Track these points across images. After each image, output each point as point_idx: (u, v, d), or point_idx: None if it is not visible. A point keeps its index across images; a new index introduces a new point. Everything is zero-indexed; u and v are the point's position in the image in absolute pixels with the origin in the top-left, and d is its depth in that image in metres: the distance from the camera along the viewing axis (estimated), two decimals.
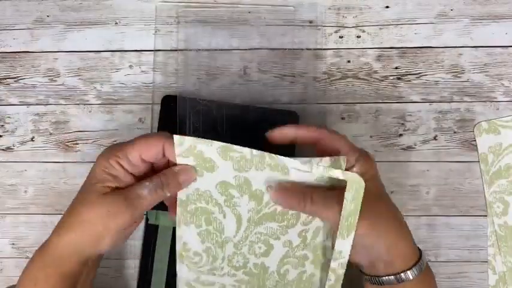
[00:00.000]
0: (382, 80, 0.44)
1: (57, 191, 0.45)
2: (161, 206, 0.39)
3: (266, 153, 0.31)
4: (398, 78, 0.44)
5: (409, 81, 0.44)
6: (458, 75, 0.44)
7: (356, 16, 0.44)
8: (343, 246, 0.33)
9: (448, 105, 0.44)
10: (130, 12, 0.45)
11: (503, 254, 0.43)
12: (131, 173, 0.33)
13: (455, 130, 0.44)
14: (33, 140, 0.45)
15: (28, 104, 0.45)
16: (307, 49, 0.44)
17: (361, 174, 0.31)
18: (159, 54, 0.45)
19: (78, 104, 0.45)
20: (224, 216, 0.34)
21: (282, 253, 0.35)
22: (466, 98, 0.44)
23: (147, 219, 0.43)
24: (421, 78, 0.44)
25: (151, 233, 0.43)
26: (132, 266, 0.45)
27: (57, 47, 0.45)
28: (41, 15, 0.45)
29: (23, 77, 0.45)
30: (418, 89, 0.44)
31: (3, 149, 0.45)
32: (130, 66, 0.45)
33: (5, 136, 0.45)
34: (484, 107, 0.44)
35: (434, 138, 0.44)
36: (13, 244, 0.45)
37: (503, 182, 0.43)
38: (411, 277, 0.33)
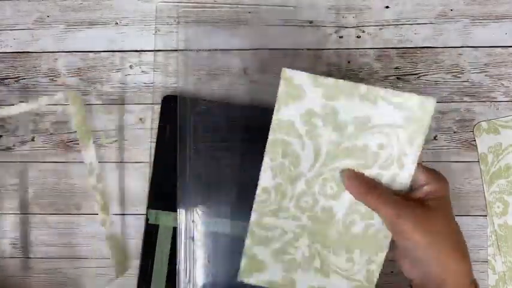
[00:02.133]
0: (382, 80, 0.44)
1: (58, 191, 0.45)
2: (162, 206, 0.39)
3: (361, 84, 0.32)
4: (398, 78, 0.44)
5: (409, 81, 0.44)
6: (458, 75, 0.44)
7: (356, 16, 0.44)
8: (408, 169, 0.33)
9: (447, 105, 0.44)
10: (131, 13, 0.45)
11: (503, 254, 0.43)
12: None
13: (455, 130, 0.44)
14: (33, 140, 0.45)
15: None
16: (308, 49, 0.44)
17: (433, 194, 0.33)
18: (160, 54, 0.45)
19: None
20: (303, 148, 0.34)
21: (351, 199, 0.34)
22: (465, 98, 0.44)
23: (147, 219, 0.43)
24: (421, 78, 0.44)
25: (151, 233, 0.43)
26: (132, 266, 0.45)
27: (58, 47, 0.45)
28: (41, 16, 0.45)
29: (24, 77, 0.45)
30: (418, 89, 0.44)
31: (3, 149, 0.45)
32: (131, 66, 0.45)
33: (5, 136, 0.45)
34: (484, 107, 0.44)
35: (434, 138, 0.44)
36: (13, 244, 0.45)
37: (503, 182, 0.43)
38: None
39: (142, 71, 0.45)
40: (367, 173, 0.34)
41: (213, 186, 0.41)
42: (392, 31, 0.44)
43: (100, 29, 0.45)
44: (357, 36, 0.44)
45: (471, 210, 0.44)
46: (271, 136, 0.34)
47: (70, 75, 0.45)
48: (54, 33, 0.45)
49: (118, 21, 0.45)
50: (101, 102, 0.45)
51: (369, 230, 0.35)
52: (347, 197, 0.34)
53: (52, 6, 0.45)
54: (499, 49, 0.44)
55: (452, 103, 0.44)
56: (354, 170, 0.34)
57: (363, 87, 0.32)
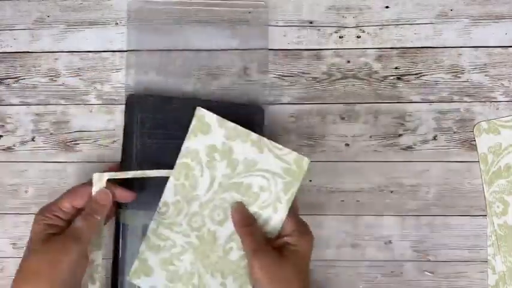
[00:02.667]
0: (382, 80, 0.44)
1: (58, 190, 0.45)
2: (130, 205, 0.40)
3: (253, 133, 0.39)
4: (398, 78, 0.44)
5: (409, 81, 0.44)
6: (458, 75, 0.44)
7: (356, 16, 0.44)
8: (277, 220, 0.39)
9: (447, 105, 0.44)
10: (131, 13, 0.45)
11: (503, 253, 0.43)
12: (68, 219, 0.37)
13: (455, 130, 0.44)
14: (33, 140, 0.45)
15: (28, 104, 0.45)
16: (307, 49, 0.44)
17: (292, 246, 0.37)
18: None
19: (78, 104, 0.45)
20: (202, 175, 0.39)
21: (233, 228, 0.39)
22: (465, 98, 0.44)
23: (117, 218, 0.42)
24: (421, 78, 0.44)
25: (119, 233, 0.42)
26: None
27: (58, 47, 0.45)
28: (41, 16, 0.45)
29: (24, 77, 0.45)
30: (418, 89, 0.44)
31: (3, 149, 0.45)
32: None
33: (5, 136, 0.45)
34: (484, 107, 0.44)
35: (434, 138, 0.44)
36: (14, 244, 0.45)
37: (502, 182, 0.43)
38: None
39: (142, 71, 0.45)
40: (250, 209, 0.39)
41: (154, 183, 0.41)
42: (392, 31, 0.44)
43: (100, 29, 0.45)
44: (357, 36, 0.44)
45: (471, 210, 0.44)
46: (179, 160, 0.39)
47: (70, 75, 0.45)
48: (55, 33, 0.45)
49: (118, 22, 0.45)
50: (101, 102, 0.45)
51: (242, 261, 0.39)
52: (230, 225, 0.39)
53: (52, 6, 0.45)
54: (499, 49, 0.44)
55: (452, 103, 0.44)
56: (242, 204, 0.39)
57: (254, 136, 0.39)
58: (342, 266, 0.45)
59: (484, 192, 0.44)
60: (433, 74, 0.44)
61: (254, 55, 0.44)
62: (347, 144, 0.45)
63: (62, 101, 0.45)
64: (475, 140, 0.44)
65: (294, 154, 0.39)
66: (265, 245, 0.37)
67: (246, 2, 0.44)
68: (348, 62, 0.44)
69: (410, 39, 0.44)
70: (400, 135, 0.44)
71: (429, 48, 0.44)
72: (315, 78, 0.45)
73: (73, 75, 0.45)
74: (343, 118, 0.45)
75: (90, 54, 0.45)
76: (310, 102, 0.45)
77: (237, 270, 0.39)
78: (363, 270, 0.45)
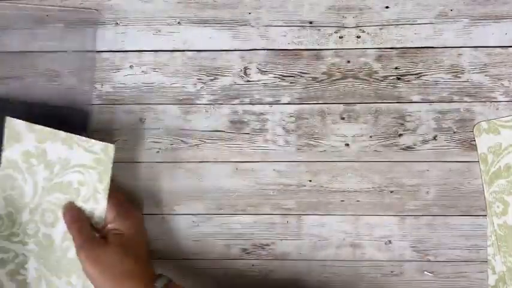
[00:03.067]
0: (382, 80, 0.44)
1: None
2: None
3: (61, 131, 0.40)
4: (398, 78, 0.44)
5: (409, 81, 0.44)
6: (458, 75, 0.44)
7: (356, 16, 0.44)
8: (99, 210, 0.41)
9: (447, 105, 0.44)
10: (131, 13, 0.45)
11: (503, 253, 0.43)
12: None
13: (455, 130, 0.44)
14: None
15: None
16: (307, 49, 0.44)
17: (115, 230, 0.40)
18: (159, 54, 0.45)
19: None
20: (25, 183, 0.41)
21: (65, 227, 0.40)
22: (465, 98, 0.44)
23: None
24: (421, 78, 0.44)
25: None
26: None
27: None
28: (41, 16, 0.45)
29: (24, 78, 0.45)
30: (418, 89, 0.44)
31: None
32: (131, 67, 0.45)
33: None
34: (484, 107, 0.44)
35: (434, 138, 0.44)
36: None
37: (502, 182, 0.43)
38: None
39: (143, 71, 0.45)
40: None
41: None
42: (392, 31, 0.44)
43: (100, 29, 0.45)
44: (357, 36, 0.44)
45: (471, 210, 0.44)
46: (1, 172, 0.41)
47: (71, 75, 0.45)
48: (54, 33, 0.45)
49: (118, 22, 0.45)
50: (101, 102, 0.45)
51: None
52: (62, 225, 0.41)
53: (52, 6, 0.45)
54: (499, 49, 0.44)
55: (452, 103, 0.44)
56: (71, 203, 0.41)
57: (62, 134, 0.40)
58: (342, 266, 0.45)
59: (484, 192, 0.44)
60: (433, 74, 0.44)
61: (79, 57, 0.45)
62: (347, 144, 0.45)
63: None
64: (475, 140, 0.44)
65: (100, 144, 0.40)
66: (92, 237, 0.39)
67: (77, 6, 0.44)
68: (348, 62, 0.44)
69: (410, 39, 0.44)
70: (400, 135, 0.45)
71: (429, 48, 0.44)
72: (315, 78, 0.45)
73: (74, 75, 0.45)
74: (343, 118, 0.45)
75: None
76: (310, 102, 0.45)
77: (78, 266, 0.40)
78: (363, 270, 0.45)
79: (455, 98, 0.44)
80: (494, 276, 0.44)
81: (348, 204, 0.45)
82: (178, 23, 0.45)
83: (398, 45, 0.44)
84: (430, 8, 0.44)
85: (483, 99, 0.44)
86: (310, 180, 0.45)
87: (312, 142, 0.45)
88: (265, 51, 0.45)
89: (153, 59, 0.45)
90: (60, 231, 0.41)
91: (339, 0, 0.44)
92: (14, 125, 0.40)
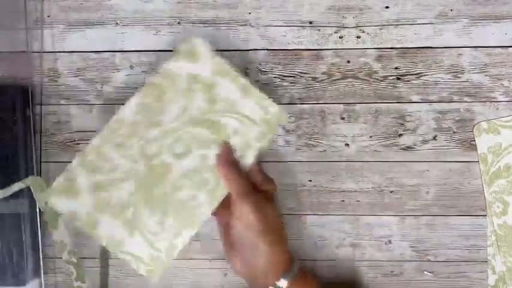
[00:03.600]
0: (382, 80, 0.44)
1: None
2: None
3: (241, 77, 0.39)
4: (398, 79, 0.44)
5: (409, 81, 0.44)
6: (458, 75, 0.44)
7: (356, 16, 0.44)
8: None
9: (447, 105, 0.44)
10: (131, 13, 0.45)
11: (503, 253, 0.43)
12: None
13: (455, 130, 0.44)
14: (34, 140, 0.45)
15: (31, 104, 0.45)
16: (307, 49, 0.44)
17: (270, 194, 0.40)
18: (160, 54, 0.45)
19: (79, 104, 0.45)
20: (174, 101, 0.38)
21: (191, 165, 0.37)
22: (465, 98, 0.44)
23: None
24: (421, 78, 0.44)
25: None
26: None
27: (58, 47, 0.45)
28: (41, 16, 0.45)
29: (23, 78, 0.45)
30: (418, 89, 0.44)
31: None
32: (131, 67, 0.45)
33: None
34: (484, 107, 0.44)
35: (434, 138, 0.44)
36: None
37: (502, 182, 0.43)
38: (284, 285, 0.37)
39: (143, 71, 0.45)
40: (213, 149, 0.38)
41: None
42: (392, 31, 0.44)
43: (100, 29, 0.45)
44: (357, 36, 0.44)
45: (471, 210, 0.44)
46: (154, 78, 0.37)
47: (70, 75, 0.45)
48: (55, 33, 0.45)
49: (118, 22, 0.45)
50: (101, 102, 0.45)
51: (192, 201, 0.37)
52: (187, 162, 0.37)
53: (52, 6, 0.45)
54: (499, 49, 0.44)
55: (452, 103, 0.44)
56: (229, 143, 0.38)
57: (242, 80, 0.38)
58: (342, 266, 0.45)
59: (484, 192, 0.44)
60: (433, 74, 0.44)
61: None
62: (347, 144, 0.45)
63: (63, 101, 0.45)
64: (475, 140, 0.44)
65: (276, 107, 0.39)
66: (252, 188, 0.38)
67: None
68: (348, 62, 0.44)
69: (410, 39, 0.44)
70: (400, 135, 0.45)
71: (429, 48, 0.44)
72: (315, 78, 0.45)
73: (74, 75, 0.45)
74: (343, 118, 0.45)
75: (90, 54, 0.45)
76: (310, 102, 0.45)
77: (182, 210, 0.36)
78: (363, 270, 0.45)
79: (455, 98, 0.44)
80: (494, 276, 0.44)
81: (348, 204, 0.45)
82: (178, 23, 0.45)
83: (398, 45, 0.44)
84: (430, 8, 0.44)
85: (483, 99, 0.44)
86: (310, 180, 0.45)
87: (312, 142, 0.45)
88: (265, 51, 0.45)
89: (153, 59, 0.45)
90: (183, 168, 0.37)
91: (339, 0, 0.44)
92: (196, 43, 0.38)
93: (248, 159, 0.38)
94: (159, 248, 0.37)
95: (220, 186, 0.38)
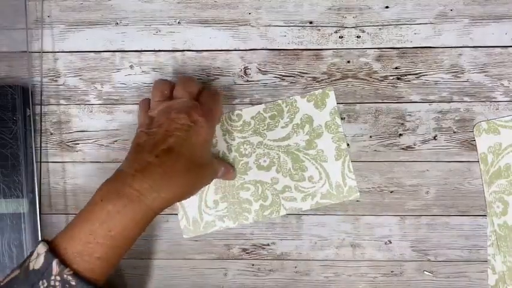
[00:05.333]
0: (382, 80, 0.44)
1: (58, 191, 0.45)
2: None
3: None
4: (398, 78, 0.44)
5: (409, 81, 0.44)
6: (458, 75, 0.44)
7: (356, 16, 0.44)
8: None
9: (447, 105, 0.44)
10: (131, 13, 0.45)
11: (503, 253, 0.43)
12: None
13: (455, 130, 0.44)
14: (34, 140, 0.45)
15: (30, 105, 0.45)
16: (308, 49, 0.45)
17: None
18: (160, 54, 0.45)
19: (79, 104, 0.46)
20: (283, 126, 0.45)
21: (264, 178, 0.45)
22: (465, 98, 0.44)
23: None
24: (421, 78, 0.44)
25: None
26: (133, 266, 0.45)
27: (58, 47, 0.45)
28: (41, 16, 0.45)
29: (23, 78, 0.45)
30: (418, 89, 0.44)
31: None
32: (131, 67, 0.45)
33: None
34: (484, 107, 0.44)
35: (434, 138, 0.44)
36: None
37: (502, 182, 0.43)
38: None
39: (143, 71, 0.45)
40: None
41: None
42: (392, 31, 0.44)
43: (100, 29, 0.45)
44: (357, 36, 0.44)
45: (471, 210, 0.44)
46: (283, 101, 0.44)
47: (70, 75, 0.45)
48: (55, 33, 0.45)
49: (118, 22, 0.45)
50: (101, 102, 0.45)
51: (245, 204, 0.45)
52: (262, 174, 0.45)
53: (52, 6, 0.45)
54: (498, 49, 0.44)
55: (452, 103, 0.44)
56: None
57: (343, 145, 0.44)
58: (342, 266, 0.45)
59: (484, 192, 0.44)
60: (433, 74, 0.44)
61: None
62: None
63: (63, 101, 0.45)
64: (475, 140, 0.44)
65: (355, 182, 0.45)
66: None
67: None
68: (348, 62, 0.44)
69: (410, 39, 0.44)
70: (400, 135, 0.45)
71: (429, 48, 0.44)
72: (315, 78, 0.45)
73: (73, 75, 0.45)
74: (343, 118, 0.45)
75: (90, 54, 0.45)
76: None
77: (235, 204, 0.45)
78: (363, 270, 0.45)
79: (455, 98, 0.44)
80: (494, 276, 0.44)
81: (348, 204, 0.45)
82: (178, 23, 0.45)
83: (398, 45, 0.44)
84: (430, 8, 0.44)
85: (483, 99, 0.44)
86: None
87: None
88: (265, 51, 0.45)
89: (153, 59, 0.45)
90: (256, 176, 0.45)
91: (339, 0, 0.44)
92: (330, 97, 0.44)
93: (303, 206, 0.45)
94: (203, 219, 0.45)
95: (270, 209, 0.45)
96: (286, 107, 0.44)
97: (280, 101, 0.44)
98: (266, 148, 0.44)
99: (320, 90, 0.44)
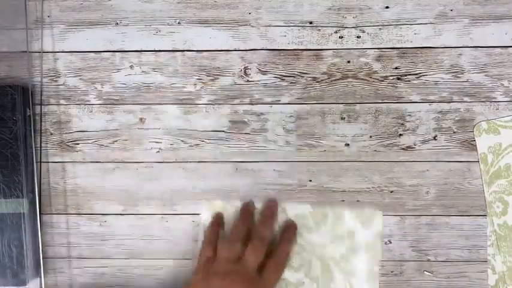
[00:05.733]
0: (382, 80, 0.44)
1: (58, 191, 0.45)
2: None
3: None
4: (398, 79, 0.44)
5: (409, 81, 0.44)
6: (458, 75, 0.44)
7: (356, 16, 0.44)
8: None
9: (447, 105, 0.44)
10: (131, 13, 0.45)
11: (503, 253, 0.43)
12: None
13: (455, 130, 0.44)
14: (34, 140, 0.45)
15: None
16: (308, 49, 0.45)
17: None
18: (160, 54, 0.45)
19: (79, 104, 0.46)
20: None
21: (289, 278, 0.44)
22: (465, 98, 0.44)
23: None
24: (421, 78, 0.44)
25: None
26: (134, 265, 0.45)
27: (58, 47, 0.45)
28: (41, 16, 0.45)
29: (23, 78, 0.45)
30: (418, 89, 0.44)
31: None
32: (131, 67, 0.45)
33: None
34: (484, 107, 0.44)
35: (434, 138, 0.44)
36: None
37: (502, 182, 0.43)
38: None
39: (143, 71, 0.45)
40: None
41: None
42: (392, 31, 0.44)
43: (100, 29, 0.45)
44: (357, 36, 0.44)
45: (471, 210, 0.44)
46: (324, 209, 0.44)
47: (70, 75, 0.45)
48: (55, 33, 0.45)
49: (118, 22, 0.45)
50: (101, 102, 0.45)
51: None
52: (289, 274, 0.44)
53: (52, 6, 0.45)
54: (498, 49, 0.44)
55: (452, 103, 0.44)
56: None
57: (376, 268, 0.44)
58: None
59: (484, 192, 0.44)
60: (433, 74, 0.44)
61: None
62: (347, 144, 0.45)
63: (63, 101, 0.45)
64: (475, 140, 0.44)
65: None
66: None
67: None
68: (348, 62, 0.44)
69: (410, 39, 0.44)
70: (400, 135, 0.45)
71: (429, 48, 0.44)
72: (315, 78, 0.45)
73: (73, 75, 0.45)
74: (343, 118, 0.45)
75: (90, 54, 0.45)
76: (310, 102, 0.45)
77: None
78: None
79: (455, 98, 0.44)
80: (494, 276, 0.44)
81: (348, 204, 0.45)
82: (178, 23, 0.45)
83: (398, 45, 0.44)
84: (430, 8, 0.44)
85: (483, 99, 0.44)
86: (310, 180, 0.45)
87: (312, 142, 0.45)
88: (265, 51, 0.45)
89: (153, 59, 0.45)
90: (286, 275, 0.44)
91: (339, 0, 0.44)
92: (377, 216, 0.44)
93: None
94: None
95: None
96: (331, 215, 0.44)
97: (327, 209, 0.44)
98: (302, 249, 0.44)
99: (370, 211, 0.44)
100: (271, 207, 0.44)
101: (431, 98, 0.44)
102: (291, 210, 0.44)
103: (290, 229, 0.43)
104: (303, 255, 0.44)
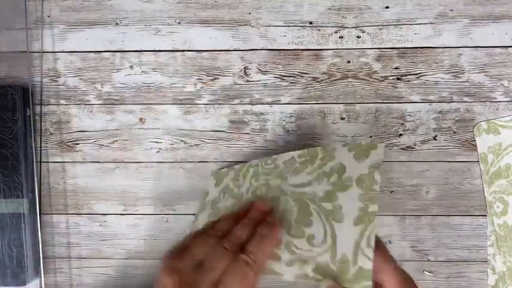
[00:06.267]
0: (382, 80, 0.44)
1: (58, 191, 0.45)
2: None
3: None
4: (398, 79, 0.44)
5: (409, 81, 0.44)
6: (458, 75, 0.44)
7: (356, 16, 0.44)
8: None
9: (447, 105, 0.44)
10: (131, 13, 0.45)
11: (503, 253, 0.43)
12: None
13: (455, 130, 0.44)
14: (34, 140, 0.45)
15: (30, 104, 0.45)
16: (308, 49, 0.45)
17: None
18: (160, 54, 0.45)
19: (79, 104, 0.46)
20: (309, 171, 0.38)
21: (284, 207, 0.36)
22: (465, 98, 0.44)
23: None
24: (421, 78, 0.44)
25: None
26: (134, 266, 0.45)
27: (58, 47, 0.45)
28: (41, 16, 0.45)
29: (23, 77, 0.45)
30: (418, 89, 0.44)
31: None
32: (131, 67, 0.45)
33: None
34: (484, 107, 0.44)
35: (434, 138, 0.44)
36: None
37: (502, 182, 0.43)
38: None
39: (143, 71, 0.45)
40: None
41: None
42: (392, 31, 0.44)
43: (100, 29, 0.45)
44: (357, 36, 0.44)
45: (471, 210, 0.44)
46: (319, 148, 0.38)
47: (70, 75, 0.45)
48: (55, 34, 0.45)
49: (118, 22, 0.45)
50: (101, 102, 0.45)
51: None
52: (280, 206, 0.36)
53: (53, 6, 0.45)
54: (498, 49, 0.44)
55: (452, 103, 0.44)
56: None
57: (373, 207, 0.33)
58: None
59: (484, 192, 0.44)
60: (433, 74, 0.44)
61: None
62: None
63: (63, 101, 0.45)
64: (475, 140, 0.44)
65: (370, 264, 0.31)
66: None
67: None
68: (348, 62, 0.44)
69: (410, 39, 0.44)
70: (400, 135, 0.44)
71: (429, 48, 0.44)
72: (315, 78, 0.45)
73: (73, 75, 0.45)
74: (343, 118, 0.45)
75: (90, 54, 0.45)
76: (310, 102, 0.45)
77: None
78: None
79: (455, 98, 0.44)
80: (494, 276, 0.44)
81: None
82: (178, 23, 0.45)
83: (398, 45, 0.44)
84: (430, 8, 0.44)
85: (483, 99, 0.44)
86: None
87: (312, 142, 0.45)
88: (265, 51, 0.45)
89: (153, 59, 0.45)
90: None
91: (339, 0, 0.44)
92: (379, 149, 0.34)
93: (286, 274, 0.33)
94: None
95: None
96: (322, 154, 0.37)
97: (318, 148, 0.38)
98: (281, 193, 0.36)
99: (369, 141, 0.39)
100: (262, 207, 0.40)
101: (431, 98, 0.44)
102: (280, 159, 0.39)
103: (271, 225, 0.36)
104: (280, 198, 0.36)
